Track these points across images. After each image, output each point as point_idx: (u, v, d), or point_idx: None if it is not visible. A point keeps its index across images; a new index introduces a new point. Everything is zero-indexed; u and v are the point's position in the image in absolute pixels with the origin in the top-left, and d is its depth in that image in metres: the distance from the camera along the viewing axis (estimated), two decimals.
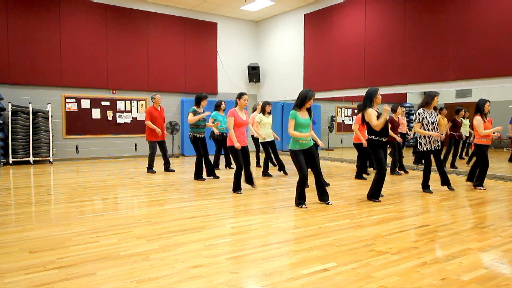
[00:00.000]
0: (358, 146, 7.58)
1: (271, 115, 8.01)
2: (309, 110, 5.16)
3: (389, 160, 8.70)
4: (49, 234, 3.82)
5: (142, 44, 11.50)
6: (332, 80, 11.09)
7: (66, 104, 10.54)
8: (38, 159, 9.74)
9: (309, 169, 5.13)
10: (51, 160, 9.94)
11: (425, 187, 6.24)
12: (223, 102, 8.29)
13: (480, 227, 4.22)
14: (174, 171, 8.47)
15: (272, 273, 2.88)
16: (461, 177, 8.01)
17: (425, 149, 6.09)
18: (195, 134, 7.28)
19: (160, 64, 11.81)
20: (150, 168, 8.30)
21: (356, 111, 7.81)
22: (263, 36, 13.71)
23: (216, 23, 12.89)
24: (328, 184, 6.65)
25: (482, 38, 7.83)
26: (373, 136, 5.44)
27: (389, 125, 7.74)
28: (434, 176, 7.87)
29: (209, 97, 12.55)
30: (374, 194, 5.48)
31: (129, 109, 11.44)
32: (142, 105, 11.61)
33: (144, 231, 3.94)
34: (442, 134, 6.44)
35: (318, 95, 11.63)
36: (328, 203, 5.17)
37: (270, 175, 7.80)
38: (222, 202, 5.41)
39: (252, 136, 8.39)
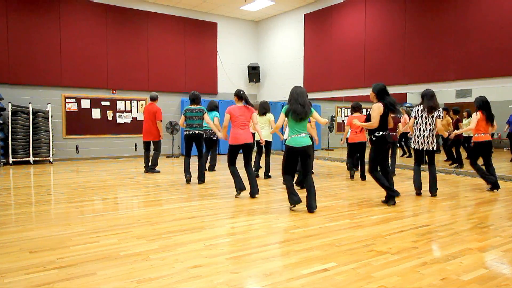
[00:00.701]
0: (363, 145, 7.49)
1: None
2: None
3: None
4: (49, 234, 3.82)
5: (142, 44, 11.50)
6: (332, 80, 11.09)
7: (66, 104, 10.54)
8: (38, 159, 9.74)
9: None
10: (51, 160, 9.94)
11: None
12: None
13: (480, 227, 4.22)
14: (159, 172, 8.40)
15: (272, 273, 2.88)
16: (461, 177, 8.01)
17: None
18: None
19: (160, 64, 11.81)
20: (155, 168, 8.30)
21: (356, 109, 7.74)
22: (263, 36, 13.71)
23: (216, 23, 12.89)
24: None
25: (482, 38, 7.83)
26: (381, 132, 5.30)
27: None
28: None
29: (209, 97, 12.62)
30: (392, 193, 5.29)
31: (129, 109, 11.44)
32: (142, 105, 11.61)
33: (144, 231, 3.94)
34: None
35: (318, 95, 11.64)
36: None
37: (269, 176, 7.79)
38: (222, 202, 5.41)
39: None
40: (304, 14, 11.97)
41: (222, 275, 2.84)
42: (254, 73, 13.43)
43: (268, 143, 7.58)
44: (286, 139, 4.99)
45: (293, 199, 4.87)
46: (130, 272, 2.87)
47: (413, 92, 10.83)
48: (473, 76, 8.04)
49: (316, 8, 11.59)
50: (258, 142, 7.63)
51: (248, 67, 13.47)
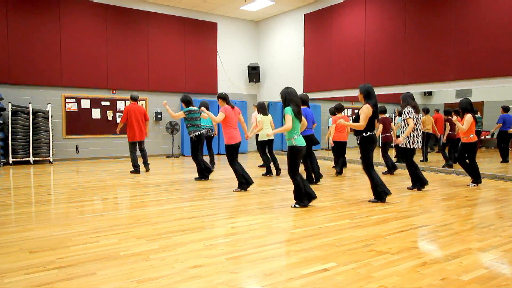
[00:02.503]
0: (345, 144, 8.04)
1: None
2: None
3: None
4: (49, 234, 3.82)
5: (142, 44, 11.50)
6: (332, 80, 11.09)
7: (66, 104, 10.54)
8: (38, 159, 9.74)
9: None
10: (51, 160, 9.94)
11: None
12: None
13: (480, 227, 4.22)
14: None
15: (272, 273, 2.88)
16: (461, 177, 8.00)
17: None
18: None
19: (160, 64, 11.81)
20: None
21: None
22: (263, 36, 13.71)
23: (216, 23, 12.89)
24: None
25: (482, 38, 7.83)
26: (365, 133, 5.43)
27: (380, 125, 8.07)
28: (435, 176, 7.89)
29: (209, 97, 12.63)
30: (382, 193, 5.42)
31: None
32: (142, 105, 11.60)
33: (144, 231, 3.94)
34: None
35: (318, 95, 11.64)
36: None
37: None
38: (222, 202, 5.41)
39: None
40: (304, 14, 11.97)
41: (222, 275, 2.84)
42: (254, 73, 13.43)
43: (272, 141, 8.15)
44: (291, 140, 4.94)
45: (312, 195, 5.10)
46: (130, 272, 2.87)
47: (413, 92, 10.85)
48: (473, 76, 8.04)
49: (316, 8, 11.59)
50: (263, 142, 7.95)
51: (248, 67, 13.47)
